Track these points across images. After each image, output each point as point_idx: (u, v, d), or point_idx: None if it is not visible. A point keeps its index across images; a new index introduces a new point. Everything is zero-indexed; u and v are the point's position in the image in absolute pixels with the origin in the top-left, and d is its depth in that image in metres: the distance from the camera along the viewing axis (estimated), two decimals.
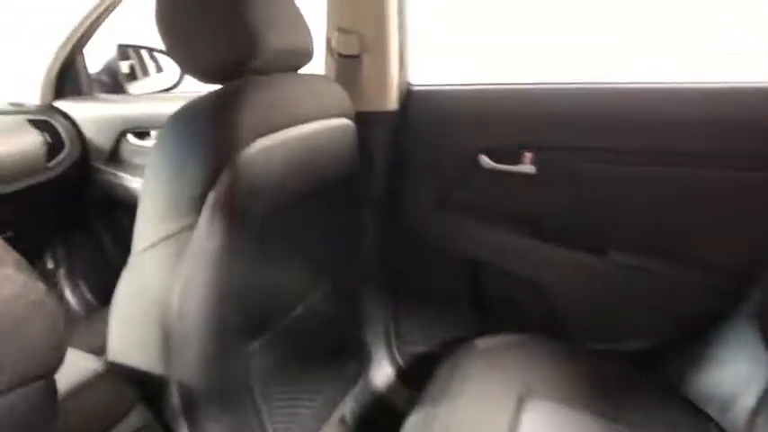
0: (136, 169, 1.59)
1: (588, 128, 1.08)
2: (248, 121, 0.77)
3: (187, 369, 0.81)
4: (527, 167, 1.13)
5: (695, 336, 1.01)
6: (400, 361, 1.38)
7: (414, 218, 1.27)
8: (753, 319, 0.91)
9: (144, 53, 1.82)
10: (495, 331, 1.14)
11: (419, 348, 1.36)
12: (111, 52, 1.72)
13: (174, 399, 0.81)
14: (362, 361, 1.32)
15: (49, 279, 1.79)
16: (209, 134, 0.73)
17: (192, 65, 0.82)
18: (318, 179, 0.96)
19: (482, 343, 1.06)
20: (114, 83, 1.74)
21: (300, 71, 0.96)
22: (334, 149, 0.99)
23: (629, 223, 1.10)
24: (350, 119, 1.02)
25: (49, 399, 0.49)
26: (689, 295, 1.06)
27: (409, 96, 1.23)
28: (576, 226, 1.14)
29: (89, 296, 1.79)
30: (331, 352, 1.20)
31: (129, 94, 1.68)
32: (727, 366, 0.92)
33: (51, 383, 0.50)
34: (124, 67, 1.77)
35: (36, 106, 1.58)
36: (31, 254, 1.75)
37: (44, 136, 1.50)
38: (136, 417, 0.77)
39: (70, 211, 1.68)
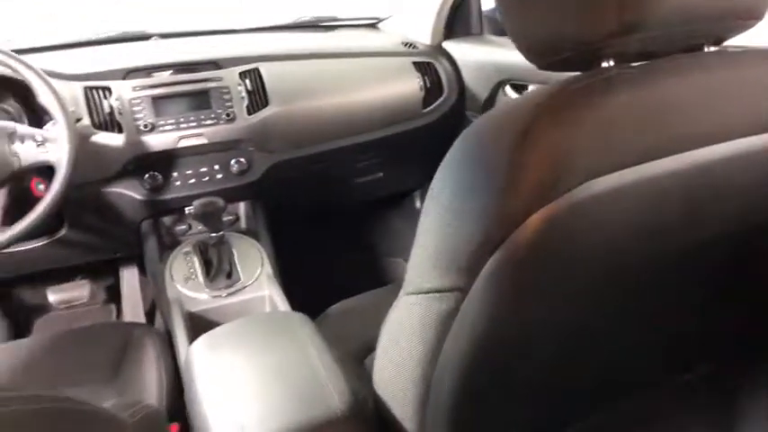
0: None
1: None
2: (586, 150, 0.47)
3: None
4: None
5: None
6: None
7: None
8: None
9: None
10: None
11: None
12: None
13: None
14: None
15: (414, 216, 1.86)
16: (511, 167, 0.47)
17: (525, 39, 0.55)
18: (719, 232, 0.58)
19: None
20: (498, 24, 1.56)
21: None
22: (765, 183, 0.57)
23: None
24: None
25: None
26: None
27: None
28: None
29: None
30: None
31: None
32: None
33: None
34: None
35: (424, 47, 1.55)
36: (401, 194, 1.82)
37: (425, 80, 1.46)
38: None
39: (442, 157, 1.65)
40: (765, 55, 0.55)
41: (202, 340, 0.79)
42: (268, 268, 1.22)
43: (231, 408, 0.67)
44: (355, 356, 0.92)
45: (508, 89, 1.41)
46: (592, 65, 0.52)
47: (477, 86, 1.48)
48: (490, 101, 1.46)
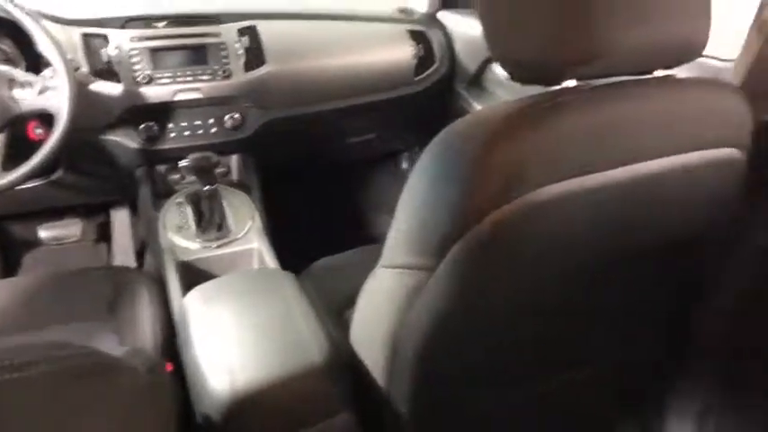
0: (490, 100, 1.47)
1: None
2: (541, 160, 0.54)
3: (403, 397, 0.73)
4: None
5: None
6: None
7: None
8: None
9: None
10: None
11: None
12: None
13: (387, 419, 0.76)
14: None
15: (401, 176, 1.94)
16: (476, 171, 0.54)
17: (502, 55, 0.61)
18: (655, 238, 0.67)
19: None
20: None
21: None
22: (697, 196, 0.66)
23: None
24: (741, 147, 0.66)
25: None
26: None
27: None
28: None
29: None
30: (603, 421, 0.95)
31: None
32: None
33: None
34: None
35: (420, 15, 1.58)
36: (389, 153, 1.89)
37: (418, 49, 1.50)
38: (343, 420, 0.74)
39: (429, 124, 1.70)
40: (699, 84, 0.63)
41: (196, 293, 0.87)
42: (258, 222, 1.29)
43: (221, 354, 0.76)
44: (336, 309, 1.01)
45: (495, 66, 1.46)
46: (556, 82, 0.59)
47: (467, 59, 1.52)
48: (477, 76, 1.51)
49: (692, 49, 0.61)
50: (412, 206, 0.62)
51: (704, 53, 0.64)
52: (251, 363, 0.73)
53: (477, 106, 1.48)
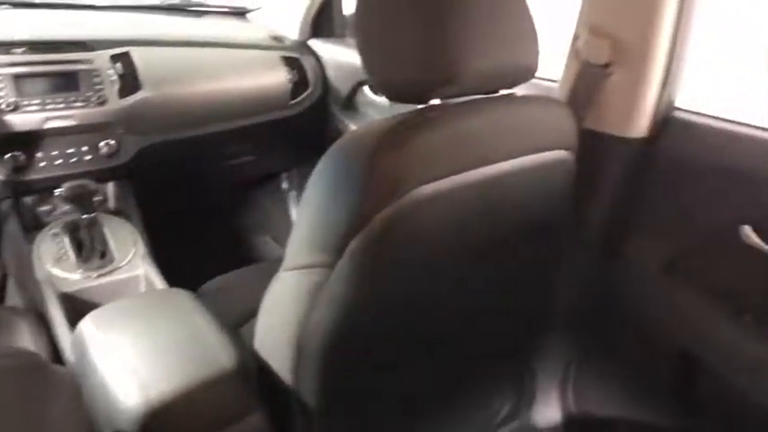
0: (366, 120, 1.60)
1: None
2: (416, 165, 0.65)
3: (311, 392, 0.79)
4: None
5: None
6: (573, 409, 1.21)
7: (632, 274, 1.03)
8: None
9: None
10: None
11: (594, 407, 1.17)
12: None
13: (297, 416, 0.81)
14: (527, 400, 1.18)
15: (282, 197, 2.00)
16: (365, 177, 0.64)
17: (378, 79, 0.72)
18: (509, 227, 0.81)
19: None
20: None
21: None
22: (538, 192, 0.81)
23: None
24: (570, 150, 0.82)
25: None
26: None
27: (667, 123, 0.94)
28: None
29: None
30: (487, 387, 1.09)
31: None
32: None
33: None
34: None
35: (293, 42, 1.67)
36: (269, 174, 1.94)
37: (292, 74, 1.59)
38: (255, 420, 0.79)
39: (307, 145, 1.79)
40: (534, 100, 0.79)
41: (90, 319, 0.87)
42: (141, 248, 1.28)
43: (129, 372, 0.77)
44: (231, 325, 1.05)
45: (366, 89, 1.59)
46: (424, 101, 0.71)
47: (340, 84, 1.64)
48: (350, 98, 1.63)
49: (525, 73, 0.76)
50: (311, 210, 0.70)
51: (538, 75, 0.80)
52: (161, 375, 0.76)
53: (352, 126, 1.59)
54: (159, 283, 1.20)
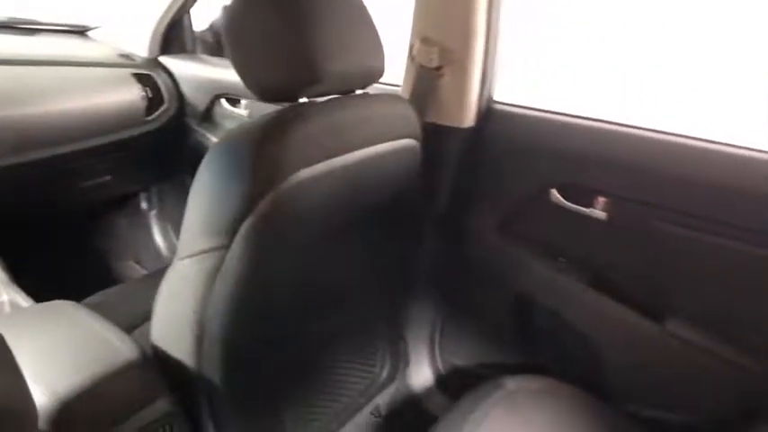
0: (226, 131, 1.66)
1: (672, 185, 0.98)
2: (295, 151, 0.77)
3: (215, 368, 0.86)
4: (598, 213, 1.06)
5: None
6: (441, 368, 1.39)
7: (473, 240, 1.24)
8: None
9: None
10: (535, 366, 1.11)
11: (459, 360, 1.36)
12: (218, 13, 1.77)
13: (201, 395, 0.88)
14: (402, 363, 1.34)
15: (142, 217, 1.96)
16: (253, 161, 0.74)
17: (252, 83, 0.82)
18: (370, 205, 0.95)
19: (511, 383, 1.03)
20: (216, 43, 1.81)
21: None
22: (392, 174, 0.97)
23: (695, 295, 1.00)
24: (416, 138, 0.99)
25: None
26: (755, 386, 0.96)
27: (488, 114, 1.17)
28: (638, 285, 1.06)
29: (175, 239, 1.94)
30: (367, 353, 1.23)
31: (227, 59, 1.74)
32: None
33: None
34: None
35: (142, 60, 1.68)
36: (127, 194, 1.91)
37: (146, 91, 1.60)
38: (162, 404, 0.84)
39: (165, 161, 1.80)
40: (384, 97, 0.95)
41: None
42: (1, 275, 1.22)
43: (33, 374, 0.77)
44: (125, 329, 1.06)
45: (223, 102, 1.66)
46: (293, 99, 0.83)
47: (196, 98, 1.68)
48: (208, 111, 1.69)
49: (375, 75, 0.92)
50: (203, 199, 0.78)
51: (388, 78, 0.97)
52: (64, 373, 0.78)
53: (214, 138, 1.65)
54: (27, 305, 1.16)
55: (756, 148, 0.93)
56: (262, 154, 0.74)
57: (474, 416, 0.95)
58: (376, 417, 1.28)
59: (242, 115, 1.62)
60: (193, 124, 1.71)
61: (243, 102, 1.62)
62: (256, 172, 0.74)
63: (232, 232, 0.76)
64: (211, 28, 1.79)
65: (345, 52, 0.83)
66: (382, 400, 1.29)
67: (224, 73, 1.60)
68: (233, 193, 0.75)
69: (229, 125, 1.67)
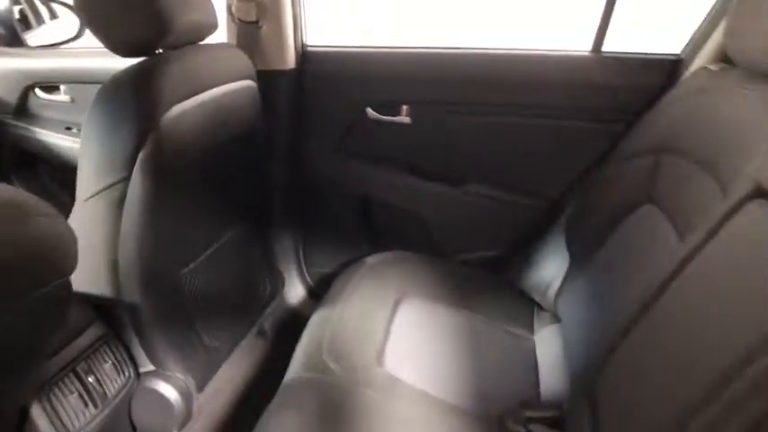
0: (47, 123, 1.66)
1: (453, 86, 1.33)
2: (167, 91, 0.94)
3: (133, 292, 1.01)
4: (404, 119, 1.38)
5: (527, 244, 1.35)
6: (310, 281, 1.64)
7: (314, 163, 1.50)
8: (563, 230, 1.24)
9: None
10: (383, 251, 1.42)
11: (324, 269, 1.63)
12: (3, 2, 1.72)
13: (125, 316, 1.02)
14: (278, 284, 1.56)
15: None
16: (136, 102, 0.90)
17: (112, 41, 0.96)
18: (229, 135, 1.15)
19: (371, 259, 1.33)
20: (11, 34, 1.76)
21: (207, 40, 1.13)
22: (241, 108, 1.17)
23: (483, 163, 1.39)
24: (252, 80, 1.21)
25: (63, 298, 0.67)
26: (524, 216, 1.39)
27: (305, 57, 1.41)
28: (445, 165, 1.42)
29: None
30: (250, 277, 1.43)
31: (30, 47, 1.72)
32: (546, 264, 1.27)
33: (66, 285, 0.67)
34: (15, 12, 1.78)
35: None
36: None
37: None
38: (94, 330, 0.97)
39: None
40: (222, 46, 1.15)
41: None
42: None
43: None
44: None
45: (38, 91, 1.65)
46: (151, 52, 0.99)
47: (5, 92, 1.65)
48: (22, 103, 1.66)
49: (211, 28, 1.10)
50: (95, 142, 0.91)
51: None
52: None
53: (37, 129, 1.64)
54: None
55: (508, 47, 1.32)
56: (145, 91, 0.91)
57: (346, 291, 1.20)
58: (262, 334, 1.49)
59: (64, 101, 1.64)
60: (8, 120, 1.67)
61: (62, 87, 1.63)
62: (142, 109, 0.91)
63: (130, 164, 0.91)
64: (1, 18, 1.73)
65: (189, 8, 1.01)
66: (268, 316, 1.51)
67: (34, 62, 1.60)
68: (126, 130, 0.90)
69: (50, 114, 1.67)
